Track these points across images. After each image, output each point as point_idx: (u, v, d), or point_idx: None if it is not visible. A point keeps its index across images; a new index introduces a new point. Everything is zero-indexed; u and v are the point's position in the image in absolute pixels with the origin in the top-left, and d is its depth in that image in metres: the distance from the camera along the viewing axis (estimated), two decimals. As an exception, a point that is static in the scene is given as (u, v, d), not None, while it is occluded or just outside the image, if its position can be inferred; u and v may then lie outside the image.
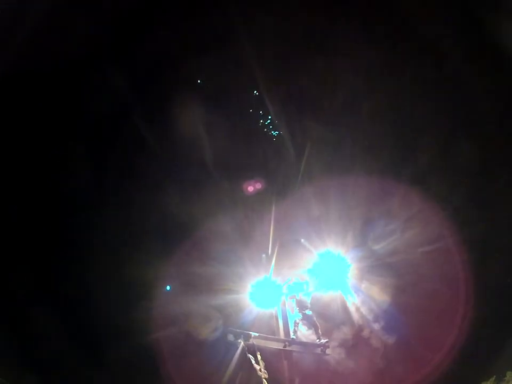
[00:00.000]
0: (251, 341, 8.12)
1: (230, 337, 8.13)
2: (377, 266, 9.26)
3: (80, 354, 7.37)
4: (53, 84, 7.39)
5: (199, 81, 9.30)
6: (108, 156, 8.93)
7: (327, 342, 8.99)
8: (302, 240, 9.12)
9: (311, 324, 9.10)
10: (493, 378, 7.98)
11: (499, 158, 8.63)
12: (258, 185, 9.64)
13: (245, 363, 7.89)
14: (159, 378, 7.88)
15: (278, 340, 8.59)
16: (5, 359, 6.16)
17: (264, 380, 7.96)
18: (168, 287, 8.30)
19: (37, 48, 6.67)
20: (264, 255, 8.86)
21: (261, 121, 9.71)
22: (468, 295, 8.69)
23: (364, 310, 9.30)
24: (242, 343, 8.01)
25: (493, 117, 8.62)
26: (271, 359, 8.21)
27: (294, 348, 8.67)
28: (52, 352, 7.05)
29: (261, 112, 9.71)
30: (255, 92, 9.67)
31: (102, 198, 8.74)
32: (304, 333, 9.00)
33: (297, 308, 9.07)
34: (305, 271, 9.32)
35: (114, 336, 7.55)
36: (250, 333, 8.17)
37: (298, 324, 9.00)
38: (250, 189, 9.69)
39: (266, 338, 8.42)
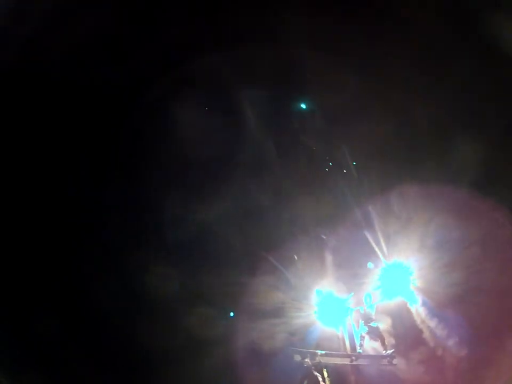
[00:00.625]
0: (317, 359, 8.37)
1: (297, 357, 8.40)
2: (441, 275, 9.08)
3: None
4: (53, 84, 7.30)
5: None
6: (109, 156, 8.91)
7: (393, 352, 9.07)
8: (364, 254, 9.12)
9: (377, 336, 9.20)
10: None
11: None
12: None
13: (312, 382, 8.16)
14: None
15: (344, 356, 8.80)
16: (5, 359, 6.34)
17: (330, 397, 8.24)
18: (232, 313, 8.58)
19: (37, 48, 6.63)
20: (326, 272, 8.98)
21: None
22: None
23: (428, 319, 9.23)
24: (309, 362, 8.27)
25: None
26: (338, 375, 8.43)
27: (360, 361, 8.85)
28: (58, 354, 7.25)
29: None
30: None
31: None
32: (371, 346, 9.14)
33: (363, 321, 9.18)
34: (368, 283, 9.33)
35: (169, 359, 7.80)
36: (317, 351, 8.40)
37: (364, 337, 9.14)
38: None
39: (332, 355, 8.64)
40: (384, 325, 9.36)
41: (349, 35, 8.43)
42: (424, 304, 9.61)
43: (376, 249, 9.45)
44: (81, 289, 7.98)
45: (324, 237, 9.22)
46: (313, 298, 9.16)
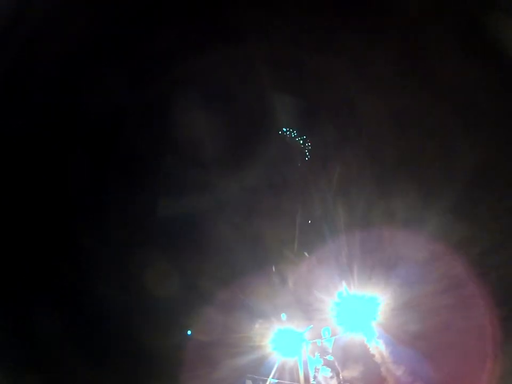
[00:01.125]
0: (270, 388, 8.44)
1: (248, 383, 8.48)
2: (402, 311, 9.15)
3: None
4: (53, 84, 7.36)
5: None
6: (110, 156, 9.00)
7: (348, 387, 9.09)
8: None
9: (332, 369, 9.24)
10: None
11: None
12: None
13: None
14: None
15: (298, 386, 8.85)
16: (5, 359, 6.34)
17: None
18: (189, 332, 8.67)
19: (36, 48, 6.63)
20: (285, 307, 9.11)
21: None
22: (496, 346, 8.33)
23: (388, 356, 9.25)
24: (261, 390, 8.33)
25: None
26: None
27: (313, 394, 8.88)
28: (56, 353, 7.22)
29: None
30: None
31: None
32: (325, 379, 9.16)
33: (319, 354, 9.25)
34: (328, 316, 9.44)
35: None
36: (270, 379, 8.48)
37: (319, 369, 9.19)
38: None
39: (285, 385, 8.70)
40: (340, 359, 9.42)
41: (349, 34, 8.62)
42: (384, 341, 9.62)
43: (340, 283, 9.58)
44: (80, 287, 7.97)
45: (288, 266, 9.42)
46: (271, 328, 9.27)
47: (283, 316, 8.99)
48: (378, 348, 9.72)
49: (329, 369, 9.16)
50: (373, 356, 9.74)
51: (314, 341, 9.18)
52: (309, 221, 9.86)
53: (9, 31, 6.37)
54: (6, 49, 6.41)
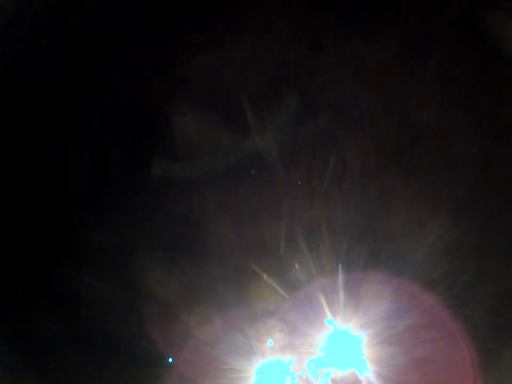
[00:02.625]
0: (254, 420, 8.47)
1: (233, 416, 8.53)
2: (388, 346, 9.12)
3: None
4: (53, 84, 7.79)
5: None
6: (109, 156, 9.31)
7: (333, 422, 9.01)
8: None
9: (317, 404, 9.20)
10: None
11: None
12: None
13: None
14: None
15: (282, 420, 8.83)
16: (5, 359, 6.57)
17: None
18: (170, 360, 8.70)
19: (36, 47, 7.04)
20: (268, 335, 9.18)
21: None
22: (476, 379, 8.28)
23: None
24: (244, 422, 8.38)
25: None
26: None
27: (298, 428, 8.83)
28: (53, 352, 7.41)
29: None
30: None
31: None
32: (310, 413, 9.12)
33: (304, 387, 9.24)
34: (312, 349, 9.43)
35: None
36: (254, 411, 8.52)
37: (303, 403, 9.16)
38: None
39: (269, 418, 8.71)
40: (326, 392, 9.35)
41: (348, 34, 8.85)
42: (370, 375, 9.50)
43: (326, 316, 9.59)
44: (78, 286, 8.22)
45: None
46: (255, 359, 9.26)
47: (270, 343, 9.03)
48: (364, 382, 9.60)
49: (314, 403, 9.11)
50: (359, 388, 9.63)
51: (299, 373, 9.15)
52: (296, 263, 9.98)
53: (9, 31, 6.89)
54: (6, 48, 6.92)
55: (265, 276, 9.62)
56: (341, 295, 9.24)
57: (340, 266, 9.59)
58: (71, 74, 8.68)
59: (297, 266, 9.98)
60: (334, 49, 9.66)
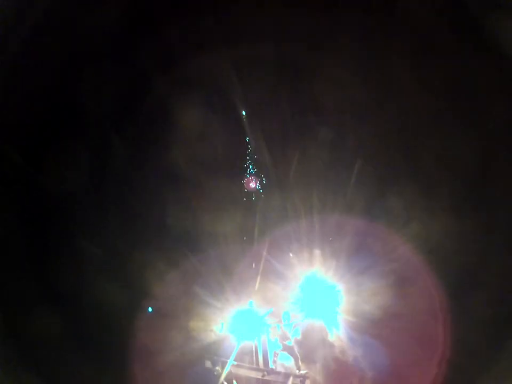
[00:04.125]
0: (229, 369, 8.49)
1: (208, 363, 8.51)
2: (363, 299, 9.31)
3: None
4: (52, 84, 7.49)
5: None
6: (108, 155, 9.18)
7: (306, 373, 9.20)
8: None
9: (291, 355, 9.35)
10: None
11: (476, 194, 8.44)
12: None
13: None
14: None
15: (257, 369, 8.91)
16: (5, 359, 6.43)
17: (237, 407, 8.31)
18: (150, 309, 8.74)
19: (36, 47, 6.73)
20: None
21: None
22: (449, 331, 8.55)
23: (347, 343, 9.38)
24: (220, 370, 8.38)
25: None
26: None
27: (272, 377, 8.95)
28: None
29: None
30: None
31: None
32: (284, 364, 9.26)
33: (278, 338, 9.36)
34: (288, 301, 9.57)
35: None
36: (229, 360, 8.54)
37: (278, 354, 9.28)
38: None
39: (244, 367, 8.76)
40: (299, 345, 9.53)
41: (348, 34, 8.80)
42: (344, 328, 9.74)
43: (302, 268, 9.72)
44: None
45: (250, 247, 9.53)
46: (231, 309, 9.36)
47: (250, 303, 9.09)
48: (338, 335, 9.84)
49: (289, 355, 9.26)
50: (333, 343, 9.86)
51: (274, 325, 9.29)
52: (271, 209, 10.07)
53: (9, 31, 6.56)
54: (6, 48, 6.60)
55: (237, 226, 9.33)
56: (317, 244, 8.96)
57: (319, 212, 9.33)
58: (70, 74, 7.97)
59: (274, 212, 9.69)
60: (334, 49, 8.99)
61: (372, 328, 9.55)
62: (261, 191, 10.14)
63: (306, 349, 9.55)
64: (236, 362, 8.35)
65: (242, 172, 10.07)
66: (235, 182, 9.88)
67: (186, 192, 9.29)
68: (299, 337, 9.39)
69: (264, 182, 10.13)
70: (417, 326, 9.19)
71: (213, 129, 9.54)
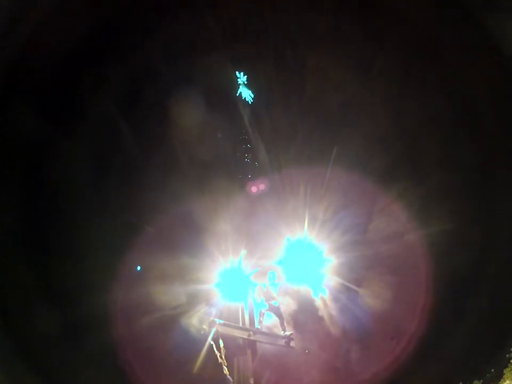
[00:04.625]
0: (215, 328, 8.24)
1: (195, 322, 8.25)
2: (348, 258, 9.36)
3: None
4: (53, 82, 7.58)
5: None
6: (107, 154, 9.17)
7: (291, 334, 9.08)
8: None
9: (277, 315, 9.20)
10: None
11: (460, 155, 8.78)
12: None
13: (207, 350, 8.02)
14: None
15: (243, 329, 8.70)
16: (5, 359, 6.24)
17: (224, 367, 8.08)
18: (138, 267, 8.55)
19: (36, 47, 6.89)
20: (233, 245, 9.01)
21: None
22: (430, 288, 8.83)
23: (331, 302, 9.36)
24: (206, 329, 8.12)
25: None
26: (234, 348, 8.32)
27: (258, 337, 8.76)
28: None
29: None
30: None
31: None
32: (270, 324, 9.11)
33: (264, 298, 9.17)
34: (274, 261, 9.43)
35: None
36: (215, 319, 8.29)
37: (263, 314, 9.09)
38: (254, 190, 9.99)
39: (230, 326, 8.52)
40: (285, 305, 9.42)
41: (348, 34, 8.91)
42: (329, 287, 9.73)
43: (289, 228, 9.62)
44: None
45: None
46: (217, 268, 9.11)
47: (238, 261, 8.85)
48: (323, 296, 9.80)
49: (274, 315, 9.08)
50: (317, 303, 9.79)
51: (260, 284, 9.09)
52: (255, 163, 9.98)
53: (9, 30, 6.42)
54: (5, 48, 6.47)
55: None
56: (303, 199, 8.82)
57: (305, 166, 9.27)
58: (71, 73, 7.71)
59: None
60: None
61: (358, 286, 9.63)
62: (249, 146, 10.02)
63: (292, 311, 9.43)
64: (222, 322, 8.08)
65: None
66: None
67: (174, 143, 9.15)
68: (284, 298, 9.25)
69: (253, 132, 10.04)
70: (402, 280, 9.38)
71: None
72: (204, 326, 8.03)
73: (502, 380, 8.77)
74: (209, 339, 7.96)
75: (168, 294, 8.30)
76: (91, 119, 8.63)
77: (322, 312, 9.42)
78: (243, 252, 8.73)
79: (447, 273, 8.83)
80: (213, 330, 8.09)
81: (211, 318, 8.18)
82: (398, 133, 9.21)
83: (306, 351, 9.21)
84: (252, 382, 8.14)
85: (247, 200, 9.36)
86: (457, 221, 8.95)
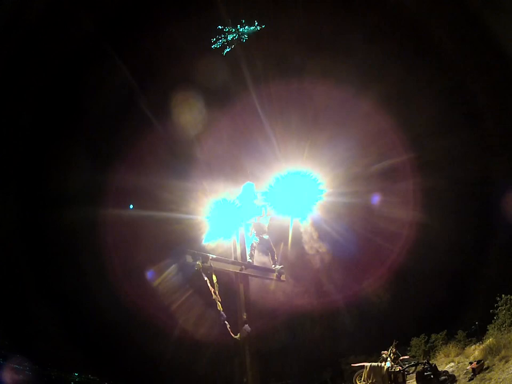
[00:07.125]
0: (208, 263, 8.01)
1: (188, 258, 7.95)
2: (341, 190, 9.24)
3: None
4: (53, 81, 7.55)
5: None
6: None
7: (282, 268, 8.98)
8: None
9: (267, 249, 9.04)
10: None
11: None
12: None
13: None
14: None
15: (235, 263, 8.50)
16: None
17: (218, 302, 7.95)
18: (131, 206, 8.40)
19: (37, 44, 6.91)
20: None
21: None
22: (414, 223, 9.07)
23: (320, 234, 9.27)
24: (200, 265, 7.88)
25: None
26: (227, 282, 8.19)
27: (249, 271, 8.61)
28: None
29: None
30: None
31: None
32: (261, 258, 8.96)
33: (255, 232, 8.94)
34: (264, 194, 9.11)
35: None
36: (208, 254, 8.04)
37: (255, 248, 8.90)
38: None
39: (223, 261, 8.31)
40: (275, 239, 9.26)
41: (348, 34, 8.80)
42: (317, 222, 9.62)
43: (279, 160, 9.30)
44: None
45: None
46: (208, 203, 8.76)
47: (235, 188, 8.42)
48: (311, 229, 9.69)
49: (265, 248, 8.91)
50: (305, 237, 9.71)
51: (251, 218, 8.79)
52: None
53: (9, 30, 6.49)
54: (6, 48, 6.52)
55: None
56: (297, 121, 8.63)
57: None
58: (71, 73, 7.29)
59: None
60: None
61: (346, 215, 9.63)
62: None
63: (282, 244, 9.27)
64: (215, 256, 7.82)
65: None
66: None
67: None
68: (275, 231, 9.02)
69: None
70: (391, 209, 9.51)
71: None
72: (197, 262, 7.77)
73: (486, 336, 9.27)
74: (203, 275, 7.76)
75: (160, 228, 7.96)
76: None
77: (310, 245, 9.32)
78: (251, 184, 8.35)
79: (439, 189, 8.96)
80: (207, 265, 7.87)
81: (204, 253, 7.92)
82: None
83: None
84: (245, 316, 8.07)
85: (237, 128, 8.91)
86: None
